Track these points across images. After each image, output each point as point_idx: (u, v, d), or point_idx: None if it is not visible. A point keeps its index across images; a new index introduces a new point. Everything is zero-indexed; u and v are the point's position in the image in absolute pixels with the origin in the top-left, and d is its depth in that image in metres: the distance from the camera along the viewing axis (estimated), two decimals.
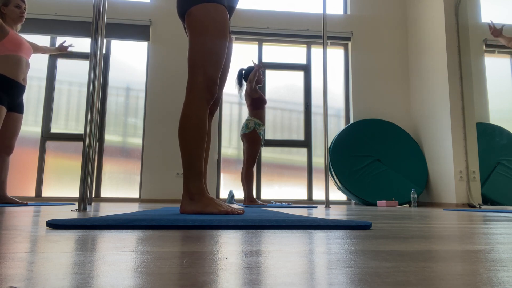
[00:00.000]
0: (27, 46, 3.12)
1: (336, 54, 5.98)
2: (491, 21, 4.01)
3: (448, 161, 4.82)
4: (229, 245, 0.69)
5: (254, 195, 5.36)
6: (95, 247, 0.64)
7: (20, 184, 5.14)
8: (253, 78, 3.89)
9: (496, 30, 3.94)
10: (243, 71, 4.15)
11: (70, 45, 3.50)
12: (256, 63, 3.92)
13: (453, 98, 4.83)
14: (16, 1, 3.10)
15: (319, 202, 5.49)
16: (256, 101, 3.98)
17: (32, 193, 5.13)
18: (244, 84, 4.12)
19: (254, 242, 0.74)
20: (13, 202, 3.09)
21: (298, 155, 5.66)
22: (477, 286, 0.38)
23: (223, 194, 5.41)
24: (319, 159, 5.65)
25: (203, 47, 1.74)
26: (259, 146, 3.97)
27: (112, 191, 5.27)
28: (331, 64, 5.94)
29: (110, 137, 5.39)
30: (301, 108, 5.78)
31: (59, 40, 5.48)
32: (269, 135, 5.64)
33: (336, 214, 2.11)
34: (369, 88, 5.79)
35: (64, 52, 3.52)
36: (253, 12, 5.76)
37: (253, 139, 3.93)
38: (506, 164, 4.97)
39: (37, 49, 3.30)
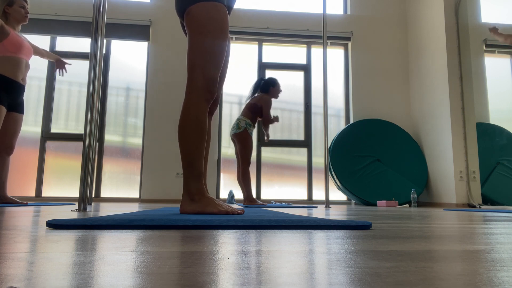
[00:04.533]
0: (28, 47, 3.11)
1: (336, 54, 5.98)
2: (492, 26, 4.23)
3: (448, 161, 4.81)
4: (229, 245, 0.68)
5: (254, 195, 5.36)
6: (95, 247, 0.64)
7: (20, 184, 5.14)
8: (267, 116, 3.95)
9: (492, 29, 4.13)
10: (262, 81, 4.09)
11: (65, 68, 3.37)
12: (278, 120, 4.05)
13: (453, 98, 4.83)
14: (21, 2, 3.10)
15: (319, 202, 5.49)
16: (258, 110, 3.96)
17: (32, 193, 5.13)
18: (257, 92, 4.08)
19: (254, 242, 0.74)
20: (13, 202, 3.09)
21: (298, 155, 5.66)
22: (477, 286, 0.38)
23: (223, 194, 5.41)
24: (319, 159, 5.65)
25: (203, 47, 1.73)
26: (252, 145, 3.92)
27: (112, 191, 5.27)
28: (331, 64, 5.94)
29: (110, 137, 5.38)
30: (301, 108, 5.78)
31: (59, 40, 5.49)
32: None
33: (336, 214, 2.11)
34: (369, 88, 5.79)
35: (58, 67, 3.35)
36: (253, 12, 5.76)
37: (245, 138, 3.88)
38: (506, 164, 4.97)
39: (37, 52, 3.29)
